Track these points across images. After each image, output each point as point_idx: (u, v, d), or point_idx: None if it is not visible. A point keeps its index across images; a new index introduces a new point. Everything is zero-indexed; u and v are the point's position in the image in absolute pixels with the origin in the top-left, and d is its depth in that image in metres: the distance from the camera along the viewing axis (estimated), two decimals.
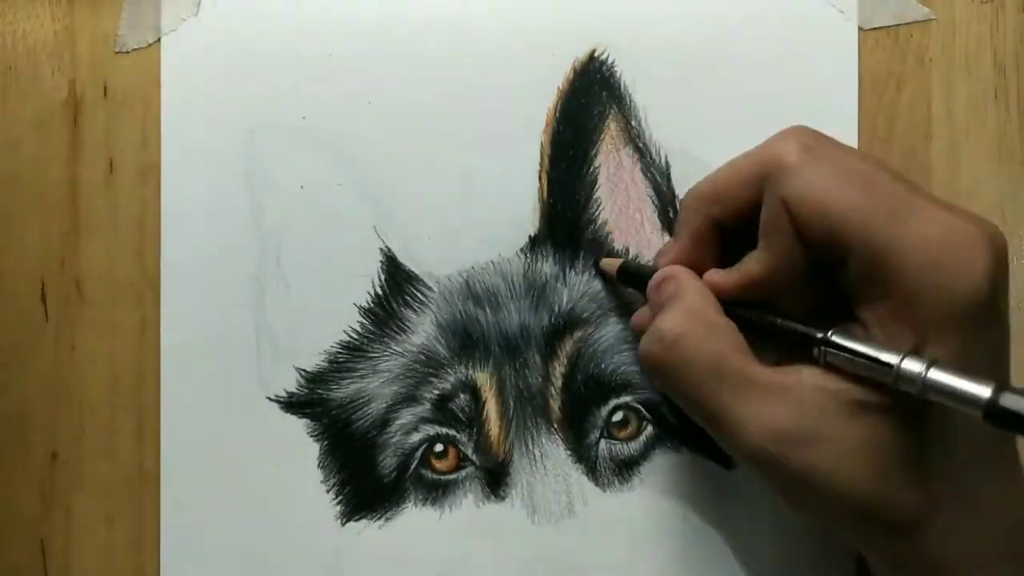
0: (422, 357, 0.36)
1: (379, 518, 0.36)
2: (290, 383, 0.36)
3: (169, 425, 0.36)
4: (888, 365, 0.26)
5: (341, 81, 0.36)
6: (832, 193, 0.28)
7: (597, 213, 0.36)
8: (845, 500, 0.28)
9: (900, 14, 0.36)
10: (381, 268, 0.36)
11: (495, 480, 0.36)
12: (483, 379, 0.36)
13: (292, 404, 0.36)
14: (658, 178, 0.36)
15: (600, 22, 0.36)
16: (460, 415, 0.36)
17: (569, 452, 0.36)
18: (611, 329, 0.36)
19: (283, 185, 0.36)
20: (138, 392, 0.37)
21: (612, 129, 0.36)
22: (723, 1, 0.36)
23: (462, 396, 0.36)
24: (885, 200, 0.28)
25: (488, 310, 0.36)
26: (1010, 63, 0.36)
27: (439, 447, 0.36)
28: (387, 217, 0.36)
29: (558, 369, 0.36)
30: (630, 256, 0.36)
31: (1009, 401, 0.24)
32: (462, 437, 0.36)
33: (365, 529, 0.36)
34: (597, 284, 0.36)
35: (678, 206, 0.36)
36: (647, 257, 0.36)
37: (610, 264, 0.35)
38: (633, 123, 0.36)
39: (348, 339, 0.36)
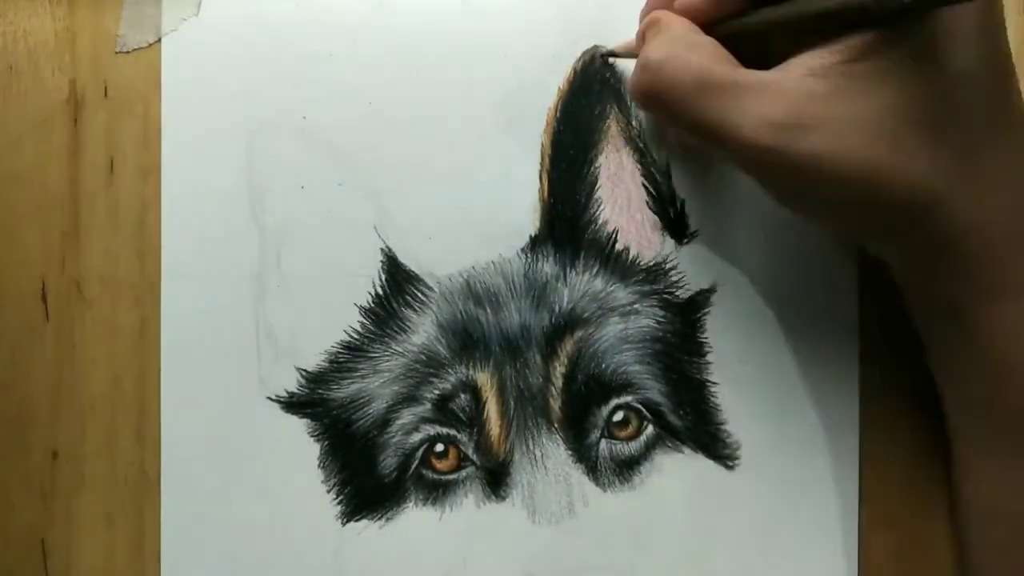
0: (423, 357, 0.36)
1: (379, 518, 0.36)
2: (290, 383, 0.36)
3: (169, 425, 0.36)
4: None
5: (341, 81, 0.36)
6: None
7: (597, 213, 0.36)
8: (856, 182, 0.28)
9: None
10: (381, 268, 0.36)
11: (495, 480, 0.36)
12: (484, 379, 0.36)
13: (292, 404, 0.36)
14: (658, 178, 0.36)
15: (600, 22, 0.36)
16: (461, 415, 0.36)
17: (569, 452, 0.36)
18: (612, 329, 0.36)
19: (283, 185, 0.36)
20: (138, 392, 0.37)
21: (612, 129, 0.36)
22: None
23: (463, 396, 0.36)
24: None
25: (489, 310, 0.36)
26: None
27: (440, 447, 0.36)
28: (387, 217, 0.36)
29: (559, 369, 0.36)
30: (630, 256, 0.36)
31: None
32: (463, 437, 0.36)
33: (365, 529, 0.36)
34: (598, 284, 0.36)
35: (678, 205, 0.36)
36: (648, 258, 0.36)
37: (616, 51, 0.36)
38: (633, 123, 0.36)
39: (348, 339, 0.36)
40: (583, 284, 0.36)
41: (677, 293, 0.36)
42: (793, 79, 0.28)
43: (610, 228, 0.36)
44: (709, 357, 0.36)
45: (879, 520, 0.36)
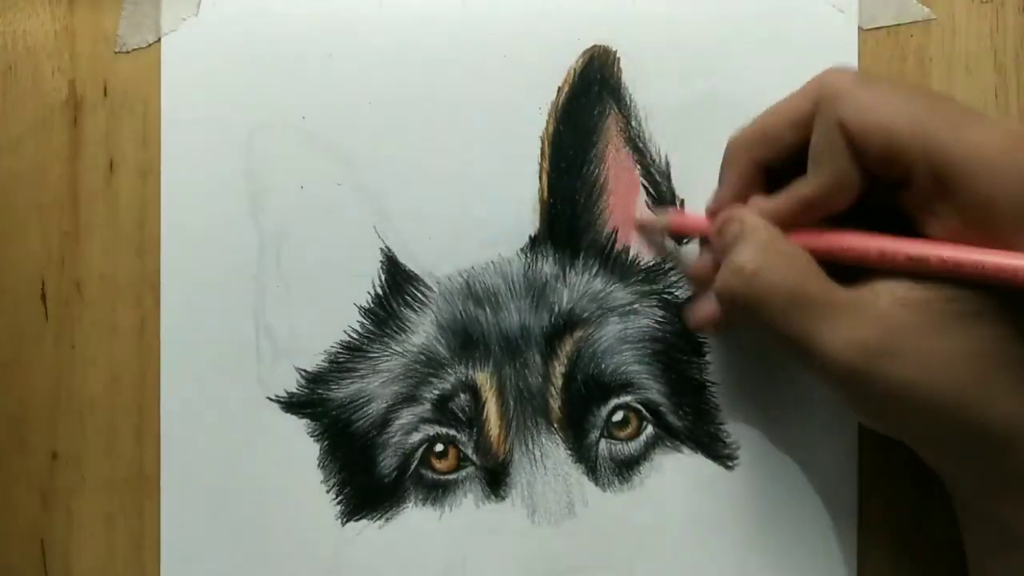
0: (422, 357, 0.36)
1: (379, 518, 0.36)
2: (290, 383, 0.36)
3: (169, 425, 0.36)
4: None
5: (341, 81, 0.36)
6: (892, 109, 0.28)
7: (597, 213, 0.36)
8: (941, 412, 0.28)
9: (900, 14, 0.36)
10: (381, 268, 0.36)
11: (495, 480, 0.36)
12: (483, 379, 0.36)
13: (292, 404, 0.36)
14: (658, 178, 0.36)
15: (600, 22, 0.36)
16: (460, 415, 0.36)
17: (569, 452, 0.36)
18: (611, 329, 0.36)
19: (283, 185, 0.36)
20: (138, 392, 0.37)
21: (612, 129, 0.36)
22: (723, 1, 0.36)
23: (462, 396, 0.36)
24: (946, 115, 0.28)
25: (488, 310, 0.36)
26: (1010, 63, 0.36)
27: (439, 447, 0.36)
28: (387, 217, 0.36)
29: (558, 369, 0.36)
30: (630, 256, 0.36)
31: None
32: (462, 437, 0.36)
33: (365, 529, 0.36)
34: (597, 284, 0.36)
35: (678, 204, 0.36)
36: (647, 258, 0.36)
37: (650, 221, 0.35)
38: (633, 123, 0.36)
39: (348, 339, 0.36)
40: (583, 284, 0.36)
41: (677, 293, 0.36)
42: (887, 304, 0.28)
43: (610, 228, 0.36)
44: (708, 357, 0.36)
45: (879, 520, 0.36)
